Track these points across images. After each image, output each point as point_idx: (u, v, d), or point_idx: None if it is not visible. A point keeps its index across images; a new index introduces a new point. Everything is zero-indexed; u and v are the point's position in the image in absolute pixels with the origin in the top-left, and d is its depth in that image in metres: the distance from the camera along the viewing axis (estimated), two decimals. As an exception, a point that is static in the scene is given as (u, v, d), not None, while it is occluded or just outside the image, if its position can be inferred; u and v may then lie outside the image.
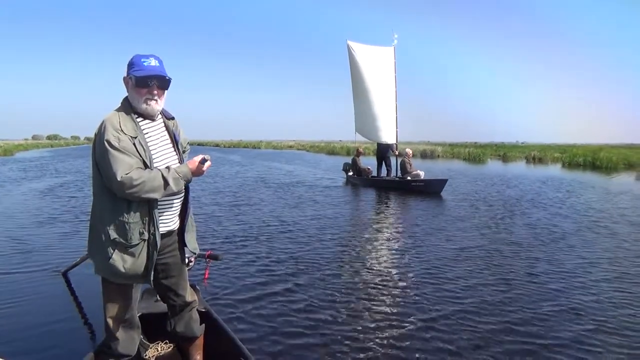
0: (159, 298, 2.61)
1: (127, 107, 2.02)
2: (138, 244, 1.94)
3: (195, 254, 2.30)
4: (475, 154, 35.08)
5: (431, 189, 12.25)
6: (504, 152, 37.96)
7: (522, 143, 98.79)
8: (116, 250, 1.91)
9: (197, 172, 2.02)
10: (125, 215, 1.90)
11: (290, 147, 68.24)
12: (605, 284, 4.46)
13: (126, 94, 2.06)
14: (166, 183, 1.90)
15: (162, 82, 2.02)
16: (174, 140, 2.14)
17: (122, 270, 1.92)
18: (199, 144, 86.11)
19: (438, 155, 36.91)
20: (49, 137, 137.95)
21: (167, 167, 1.97)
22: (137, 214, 1.92)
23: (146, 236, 1.95)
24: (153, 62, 2.00)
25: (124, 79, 2.02)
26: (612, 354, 2.99)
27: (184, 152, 2.27)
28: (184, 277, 2.27)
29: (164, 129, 2.13)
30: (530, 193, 12.26)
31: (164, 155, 2.06)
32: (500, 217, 8.37)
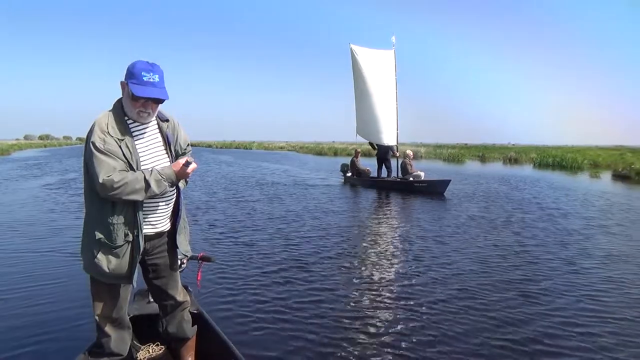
0: (151, 300, 2.63)
1: (119, 108, 2.02)
2: (122, 245, 1.96)
3: (187, 255, 2.33)
4: (454, 154, 36.77)
5: (434, 189, 12.50)
6: (483, 153, 39.76)
7: (513, 144, 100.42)
8: (101, 251, 1.95)
9: (181, 174, 2.02)
10: (111, 217, 1.93)
11: (281, 148, 69.56)
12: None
13: (120, 96, 2.05)
14: (147, 185, 1.91)
15: (159, 100, 2.02)
16: (167, 142, 2.14)
17: (106, 270, 1.95)
18: (191, 145, 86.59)
19: (421, 156, 38.41)
20: (40, 137, 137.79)
21: (151, 169, 1.97)
22: (122, 215, 1.94)
23: (130, 238, 1.98)
24: (153, 78, 1.96)
25: (121, 83, 2.01)
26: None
27: (184, 153, 2.29)
28: (174, 277, 2.29)
29: (157, 131, 2.13)
30: (480, 189, 13.87)
31: (154, 158, 2.07)
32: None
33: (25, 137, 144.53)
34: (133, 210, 1.97)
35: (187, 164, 2.01)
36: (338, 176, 17.09)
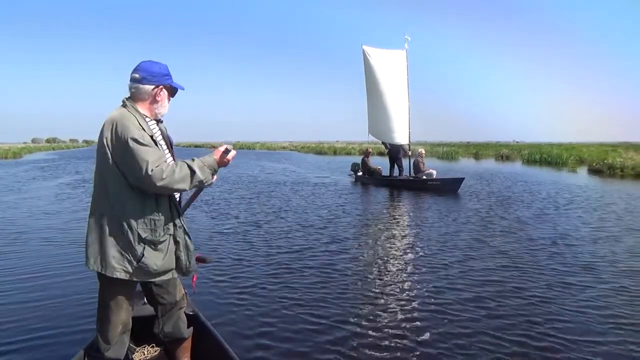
0: (146, 301, 2.60)
1: (136, 108, 2.02)
2: (165, 240, 1.97)
3: None
4: (449, 152, 37.84)
5: (447, 188, 12.55)
6: (477, 150, 40.86)
7: (517, 142, 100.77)
8: (147, 248, 1.92)
9: (222, 162, 2.01)
10: (154, 213, 1.93)
11: (284, 147, 71.03)
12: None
13: (123, 96, 2.06)
14: (193, 172, 1.88)
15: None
16: (168, 142, 2.17)
17: (155, 267, 1.94)
18: (195, 146, 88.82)
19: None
20: (48, 140, 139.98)
21: (192, 158, 1.95)
22: (162, 211, 1.95)
23: (171, 231, 2.00)
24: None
25: (160, 87, 2.04)
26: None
27: None
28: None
29: (159, 130, 2.17)
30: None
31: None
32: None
33: (33, 141, 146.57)
34: (170, 203, 2.00)
35: (227, 151, 2.00)
36: (343, 175, 17.62)
